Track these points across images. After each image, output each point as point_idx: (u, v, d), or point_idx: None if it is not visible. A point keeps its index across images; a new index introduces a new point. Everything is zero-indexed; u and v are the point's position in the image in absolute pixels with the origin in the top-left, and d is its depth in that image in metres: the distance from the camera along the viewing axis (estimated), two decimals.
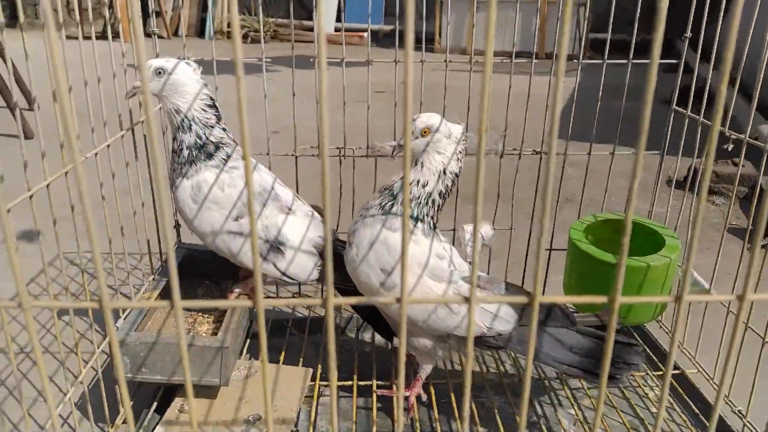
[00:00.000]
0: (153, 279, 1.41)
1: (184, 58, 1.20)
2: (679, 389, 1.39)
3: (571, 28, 6.00)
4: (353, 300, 0.56)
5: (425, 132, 1.15)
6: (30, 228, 2.26)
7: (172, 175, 1.22)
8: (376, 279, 1.20)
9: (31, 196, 0.92)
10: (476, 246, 0.49)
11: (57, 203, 0.99)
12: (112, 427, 1.24)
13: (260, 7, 1.47)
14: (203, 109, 1.18)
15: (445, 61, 1.49)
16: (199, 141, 1.19)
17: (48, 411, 1.24)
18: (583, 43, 6.34)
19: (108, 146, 1.18)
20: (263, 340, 0.50)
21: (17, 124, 0.89)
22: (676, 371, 1.43)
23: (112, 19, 5.62)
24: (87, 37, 1.08)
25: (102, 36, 1.13)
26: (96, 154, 1.16)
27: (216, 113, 1.20)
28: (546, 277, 1.73)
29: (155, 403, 1.30)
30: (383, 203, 1.20)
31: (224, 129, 1.25)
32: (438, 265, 1.21)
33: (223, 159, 1.21)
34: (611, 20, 1.48)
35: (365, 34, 6.30)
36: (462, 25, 6.54)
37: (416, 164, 1.18)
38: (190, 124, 1.18)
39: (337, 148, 1.55)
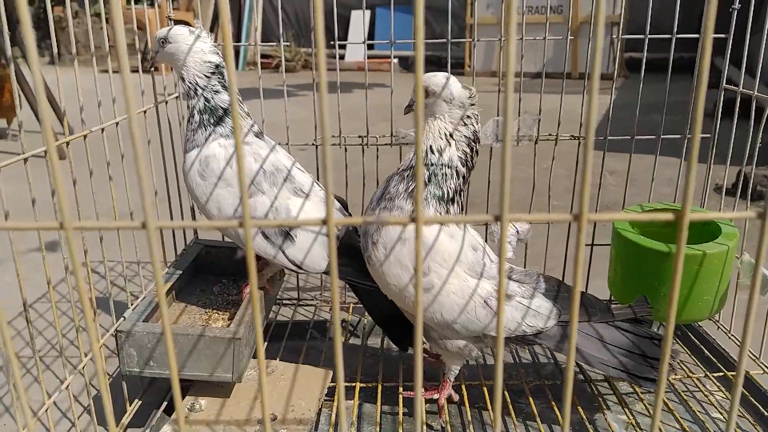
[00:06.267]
0: (166, 272, 1.33)
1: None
2: (744, 391, 1.23)
3: (606, 47, 5.90)
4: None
5: (426, 94, 1.03)
6: (54, 239, 2.25)
7: (186, 146, 1.17)
8: (409, 280, 1.05)
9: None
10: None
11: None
12: (117, 425, 1.15)
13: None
14: (206, 76, 1.13)
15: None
16: (207, 104, 1.14)
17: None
18: (617, 63, 6.23)
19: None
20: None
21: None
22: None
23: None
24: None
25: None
26: (104, 129, 1.10)
27: (221, 80, 1.14)
28: (587, 279, 1.60)
29: (165, 403, 1.21)
30: (410, 188, 1.05)
31: None
32: (474, 258, 1.08)
33: (233, 129, 1.14)
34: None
35: (395, 61, 6.34)
36: (492, 50, 6.50)
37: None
38: (196, 89, 1.14)
39: (360, 137, 1.47)
